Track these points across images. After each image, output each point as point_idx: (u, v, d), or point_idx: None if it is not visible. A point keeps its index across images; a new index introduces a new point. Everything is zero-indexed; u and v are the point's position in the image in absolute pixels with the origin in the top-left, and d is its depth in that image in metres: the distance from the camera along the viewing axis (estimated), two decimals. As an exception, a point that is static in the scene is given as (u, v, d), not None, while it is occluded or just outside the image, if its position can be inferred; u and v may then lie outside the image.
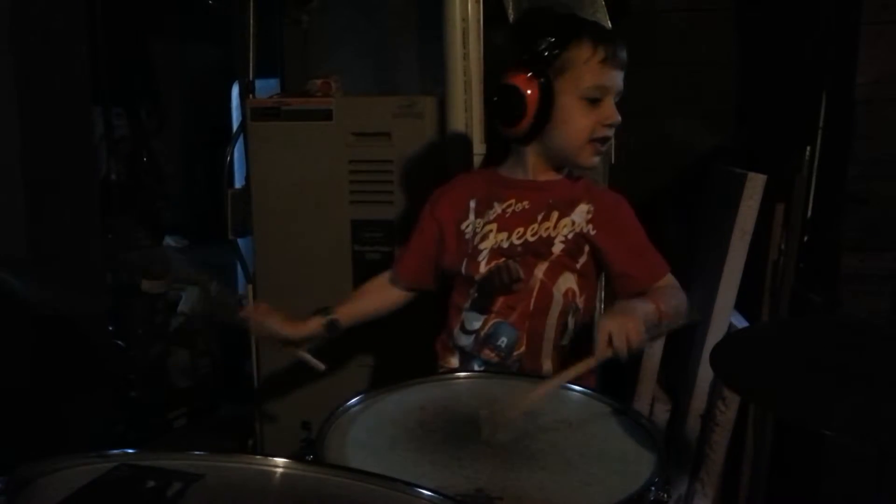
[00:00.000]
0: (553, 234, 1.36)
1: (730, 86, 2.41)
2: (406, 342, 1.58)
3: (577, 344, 1.40)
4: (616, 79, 1.33)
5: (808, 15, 2.17)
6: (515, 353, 1.37)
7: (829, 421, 0.95)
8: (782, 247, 1.99)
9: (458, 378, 1.30)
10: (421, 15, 2.18)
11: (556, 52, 1.31)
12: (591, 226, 1.37)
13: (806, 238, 2.00)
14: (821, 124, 2.01)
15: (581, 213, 1.38)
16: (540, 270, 1.36)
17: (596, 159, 1.37)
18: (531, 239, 1.37)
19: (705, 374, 1.90)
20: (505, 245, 1.38)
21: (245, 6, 2.16)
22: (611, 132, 1.36)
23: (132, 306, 2.83)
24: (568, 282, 1.36)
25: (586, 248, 1.37)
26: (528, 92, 1.30)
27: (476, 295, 1.40)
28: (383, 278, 1.54)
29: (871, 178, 1.92)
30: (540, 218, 1.38)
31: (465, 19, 1.84)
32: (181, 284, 3.12)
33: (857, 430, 0.95)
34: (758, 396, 1.10)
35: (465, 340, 1.41)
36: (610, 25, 1.95)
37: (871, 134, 1.91)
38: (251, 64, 2.19)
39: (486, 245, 1.39)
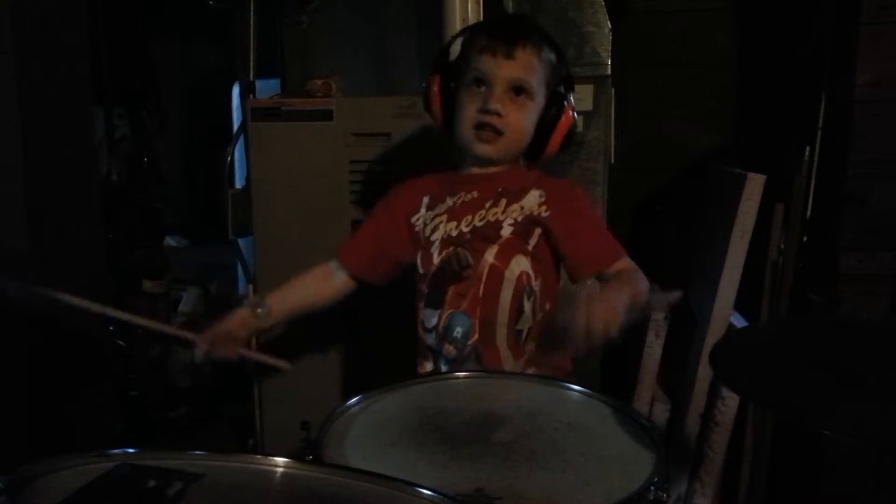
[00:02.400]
0: (501, 218, 1.38)
1: (730, 86, 2.42)
2: (406, 342, 1.58)
3: (538, 330, 1.39)
4: (499, 68, 1.35)
5: (807, 15, 2.17)
6: (470, 343, 1.36)
7: (829, 421, 0.95)
8: (782, 247, 1.99)
9: (458, 378, 1.30)
10: (421, 15, 2.18)
11: (453, 48, 1.43)
12: (543, 208, 1.37)
13: (805, 238, 2.00)
14: (820, 124, 2.01)
15: (532, 198, 1.39)
16: (490, 254, 1.36)
17: (482, 147, 1.38)
18: (479, 224, 1.38)
19: (705, 374, 1.90)
20: (454, 233, 1.39)
21: (245, 6, 2.16)
22: (491, 119, 1.35)
23: (132, 306, 2.83)
24: (521, 265, 1.36)
25: (537, 232, 1.37)
26: (432, 88, 1.43)
27: (427, 290, 1.41)
28: (324, 267, 1.51)
29: (871, 178, 1.92)
30: (488, 205, 1.39)
31: (465, 19, 1.84)
32: (181, 284, 3.12)
33: (856, 430, 0.95)
34: (758, 396, 1.10)
35: (429, 339, 1.41)
36: (610, 26, 1.95)
37: (871, 134, 1.91)
38: (251, 64, 2.19)
39: (437, 236, 1.41)
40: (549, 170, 1.50)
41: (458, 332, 1.36)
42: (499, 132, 1.36)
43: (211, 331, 1.39)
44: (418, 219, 1.45)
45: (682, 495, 1.91)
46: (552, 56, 1.40)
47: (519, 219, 1.37)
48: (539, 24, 1.52)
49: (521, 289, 1.36)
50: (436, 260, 1.40)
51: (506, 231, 1.37)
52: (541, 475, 0.98)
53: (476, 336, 1.36)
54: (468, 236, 1.38)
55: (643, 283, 1.32)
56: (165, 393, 2.94)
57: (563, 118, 1.41)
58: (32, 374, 1.84)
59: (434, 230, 1.42)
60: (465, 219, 1.40)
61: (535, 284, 1.37)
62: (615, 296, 1.15)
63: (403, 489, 0.77)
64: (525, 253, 1.37)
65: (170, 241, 3.59)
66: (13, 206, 1.80)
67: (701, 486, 1.90)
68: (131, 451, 0.78)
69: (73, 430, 1.92)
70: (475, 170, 1.44)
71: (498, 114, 1.35)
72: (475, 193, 1.41)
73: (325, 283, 1.51)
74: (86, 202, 2.03)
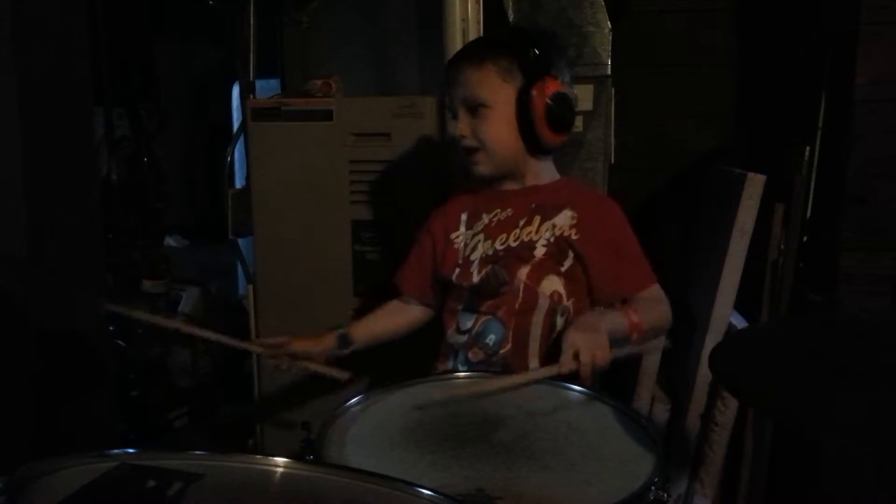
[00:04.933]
0: (535, 238, 1.41)
1: (730, 86, 2.41)
2: (409, 343, 1.58)
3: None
4: (454, 91, 1.41)
5: (807, 15, 2.17)
6: (501, 351, 1.39)
7: (828, 422, 0.95)
8: (782, 247, 1.99)
9: (458, 378, 1.30)
10: (421, 15, 2.18)
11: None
12: (573, 230, 1.39)
13: (805, 238, 2.00)
14: (820, 124, 2.01)
15: (565, 218, 1.41)
16: (523, 273, 1.39)
17: (474, 168, 1.43)
18: (513, 244, 1.41)
19: (705, 374, 1.90)
20: (490, 252, 1.43)
21: (245, 6, 2.16)
22: (463, 143, 1.41)
23: (132, 306, 2.83)
24: (553, 284, 1.39)
25: (570, 253, 1.40)
26: None
27: (466, 296, 1.45)
28: (395, 303, 1.59)
29: (871, 178, 1.92)
30: (522, 223, 1.42)
31: (465, 19, 1.85)
32: (181, 284, 3.12)
33: (856, 430, 0.95)
34: (758, 402, 1.10)
35: (459, 340, 1.44)
36: (610, 26, 1.96)
37: (871, 134, 1.91)
38: (251, 64, 2.19)
39: (476, 255, 1.44)
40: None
41: (490, 338, 1.40)
42: (475, 150, 1.41)
43: (290, 344, 1.46)
44: (458, 236, 1.48)
45: (682, 495, 1.91)
46: (506, 61, 1.38)
47: (551, 239, 1.39)
48: (503, 36, 1.59)
49: (554, 307, 1.39)
50: (475, 279, 1.42)
51: (539, 251, 1.40)
52: (541, 475, 0.98)
53: (509, 346, 1.39)
54: (501, 254, 1.41)
55: (660, 313, 1.37)
56: (165, 393, 2.94)
57: (535, 107, 1.36)
58: (33, 374, 1.84)
59: (473, 249, 1.45)
60: (500, 237, 1.43)
61: (568, 304, 1.40)
62: (608, 323, 1.26)
63: (403, 489, 0.77)
64: (558, 273, 1.39)
65: (170, 241, 3.58)
66: (13, 205, 1.80)
67: (701, 486, 1.90)
68: (131, 451, 0.78)
69: (73, 430, 1.92)
70: (508, 185, 1.46)
71: (463, 136, 1.40)
72: (510, 211, 1.44)
73: (402, 315, 1.58)
74: (86, 202, 2.02)
